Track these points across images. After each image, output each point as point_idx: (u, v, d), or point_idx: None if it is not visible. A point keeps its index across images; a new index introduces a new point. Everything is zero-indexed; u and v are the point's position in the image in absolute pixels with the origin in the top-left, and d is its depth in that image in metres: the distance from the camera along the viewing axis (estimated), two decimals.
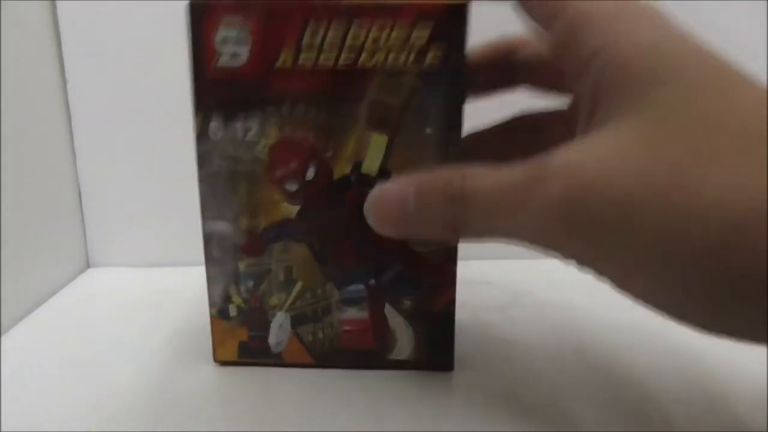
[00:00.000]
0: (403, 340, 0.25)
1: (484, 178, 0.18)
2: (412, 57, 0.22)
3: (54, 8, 0.36)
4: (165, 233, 0.39)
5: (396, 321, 0.25)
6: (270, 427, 0.22)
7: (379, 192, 0.21)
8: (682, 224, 0.15)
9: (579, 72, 0.18)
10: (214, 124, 0.23)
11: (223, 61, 0.22)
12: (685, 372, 0.26)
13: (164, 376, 0.26)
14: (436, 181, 0.19)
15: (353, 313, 0.25)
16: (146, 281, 0.37)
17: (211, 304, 0.25)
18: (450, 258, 0.24)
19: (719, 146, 0.15)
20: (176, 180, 0.38)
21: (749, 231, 0.14)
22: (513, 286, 0.35)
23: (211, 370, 0.26)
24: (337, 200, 0.23)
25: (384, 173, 0.23)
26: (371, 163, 0.23)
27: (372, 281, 0.24)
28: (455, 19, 0.21)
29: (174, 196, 0.39)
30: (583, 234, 0.16)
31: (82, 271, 0.39)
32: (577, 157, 0.17)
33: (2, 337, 0.30)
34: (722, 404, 0.23)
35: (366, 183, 0.22)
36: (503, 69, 0.25)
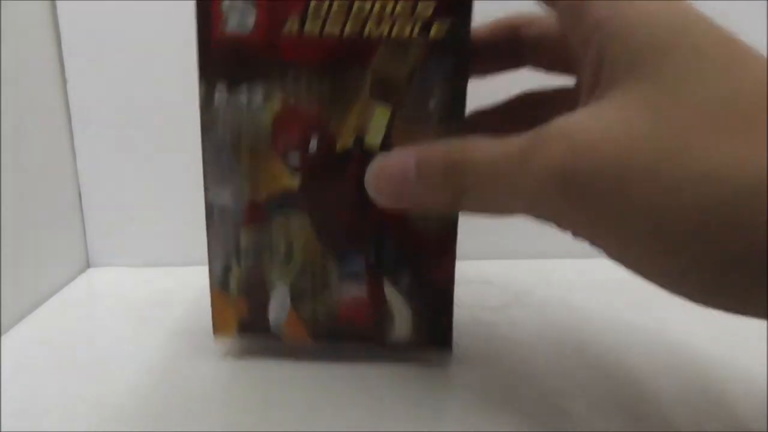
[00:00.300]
0: (401, 319, 0.25)
1: (484, 147, 0.18)
2: (417, 28, 0.22)
3: (54, 8, 0.36)
4: (165, 233, 0.39)
5: (394, 299, 0.25)
6: (272, 426, 0.22)
7: (380, 163, 0.21)
8: (679, 193, 0.14)
9: (583, 45, 0.18)
10: (219, 92, 0.23)
11: (230, 27, 0.22)
12: (685, 372, 0.26)
13: (164, 376, 0.26)
14: (436, 151, 0.19)
15: (352, 290, 0.25)
16: (146, 281, 0.37)
17: (212, 276, 0.25)
18: (450, 233, 0.24)
19: (723, 116, 0.15)
20: (176, 180, 0.38)
21: (750, 201, 0.14)
22: (513, 286, 0.35)
23: (211, 370, 0.26)
24: (338, 173, 0.23)
25: (386, 147, 0.23)
26: (374, 137, 0.23)
27: (371, 256, 0.24)
28: None
29: (174, 196, 0.39)
30: (580, 198, 0.16)
31: (82, 271, 0.39)
32: (577, 123, 0.16)
33: (2, 337, 0.30)
34: (722, 404, 0.23)
35: (368, 156, 0.22)
36: (509, 47, 0.25)
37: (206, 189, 0.24)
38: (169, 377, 0.26)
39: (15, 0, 0.32)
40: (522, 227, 0.39)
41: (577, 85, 0.22)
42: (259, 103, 0.23)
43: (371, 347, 0.26)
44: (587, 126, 0.16)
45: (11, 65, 0.31)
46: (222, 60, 0.23)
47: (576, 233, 0.18)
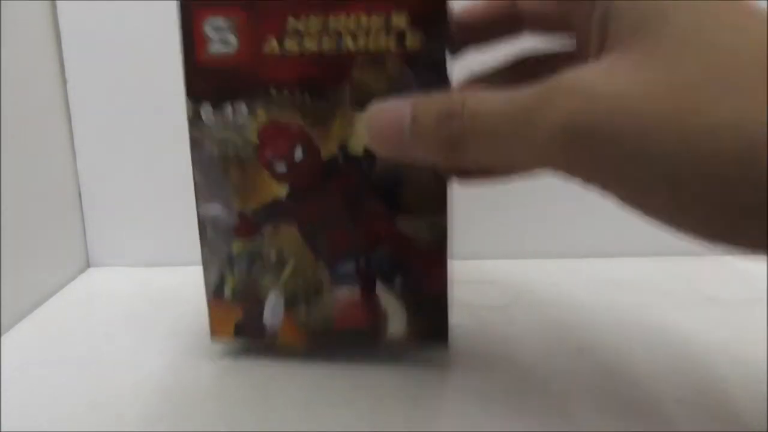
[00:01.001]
0: (396, 318, 0.25)
1: (486, 98, 0.18)
2: (393, 40, 0.22)
3: (54, 8, 0.36)
4: (165, 233, 0.39)
5: (388, 300, 0.25)
6: (270, 426, 0.22)
7: (376, 109, 0.21)
8: (698, 143, 0.15)
9: (586, 8, 0.18)
10: (206, 110, 0.24)
11: (214, 49, 0.23)
12: (685, 372, 0.26)
13: (164, 375, 0.26)
14: (435, 98, 0.19)
15: (345, 293, 0.25)
16: (146, 281, 0.37)
17: (207, 285, 0.26)
18: (441, 243, 0.24)
19: (735, 69, 0.15)
20: (176, 180, 0.38)
21: (762, 153, 0.14)
22: (513, 285, 0.35)
23: (210, 370, 0.26)
24: (325, 181, 0.24)
25: (370, 153, 0.23)
26: (357, 143, 0.23)
27: (362, 261, 0.25)
28: (433, 4, 0.22)
29: (174, 196, 0.39)
30: (595, 150, 0.16)
31: (82, 271, 0.39)
32: (589, 76, 0.17)
33: (2, 337, 0.30)
34: (722, 404, 0.23)
35: (353, 163, 0.23)
36: (506, 17, 0.25)
37: (198, 202, 0.25)
38: (168, 377, 0.26)
39: (15, 0, 0.32)
40: (522, 227, 0.39)
41: (579, 46, 0.22)
42: (244, 119, 0.24)
43: (368, 348, 0.26)
44: (600, 80, 0.16)
45: (11, 65, 0.31)
46: (207, 80, 0.24)
47: (587, 182, 0.17)
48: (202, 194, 0.25)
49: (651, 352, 0.27)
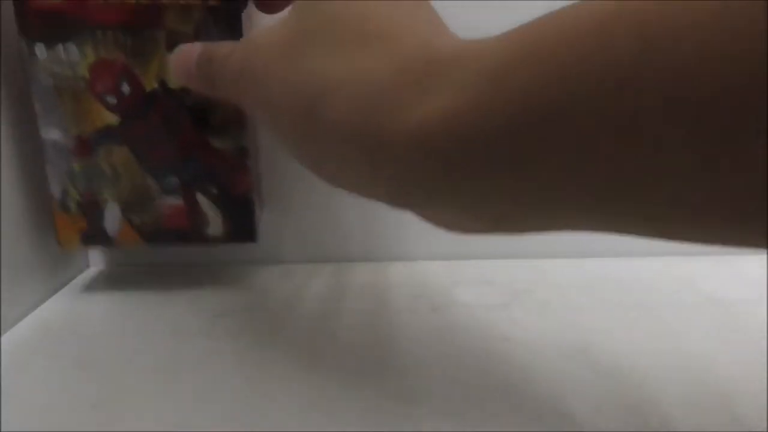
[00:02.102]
0: (214, 222, 0.31)
1: (222, 47, 0.23)
2: None
3: None
4: None
5: (206, 206, 0.31)
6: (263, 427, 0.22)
7: (179, 48, 0.26)
8: (278, 91, 0.19)
9: None
10: (40, 48, 0.28)
11: None
12: (685, 372, 0.26)
13: (164, 375, 0.26)
14: (212, 45, 0.24)
15: (171, 202, 0.31)
16: (146, 281, 0.37)
17: (52, 200, 0.31)
18: (242, 156, 0.30)
19: (339, 32, 0.18)
20: None
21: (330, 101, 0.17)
22: (513, 285, 0.35)
23: (211, 370, 0.26)
24: (149, 109, 0.30)
25: (186, 87, 0.29)
26: (173, 80, 0.29)
27: (183, 174, 0.31)
28: None
29: None
30: (246, 84, 0.21)
31: (82, 271, 0.39)
32: (254, 35, 0.22)
33: (2, 337, 0.30)
34: (722, 404, 0.23)
35: (172, 95, 0.29)
36: None
37: (40, 127, 0.30)
38: (168, 377, 0.26)
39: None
40: None
41: None
42: (75, 57, 0.29)
43: (193, 245, 0.32)
44: (254, 35, 0.21)
45: (11, 65, 0.31)
46: (38, 24, 0.28)
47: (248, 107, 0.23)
48: (42, 120, 0.30)
49: (651, 352, 0.27)
